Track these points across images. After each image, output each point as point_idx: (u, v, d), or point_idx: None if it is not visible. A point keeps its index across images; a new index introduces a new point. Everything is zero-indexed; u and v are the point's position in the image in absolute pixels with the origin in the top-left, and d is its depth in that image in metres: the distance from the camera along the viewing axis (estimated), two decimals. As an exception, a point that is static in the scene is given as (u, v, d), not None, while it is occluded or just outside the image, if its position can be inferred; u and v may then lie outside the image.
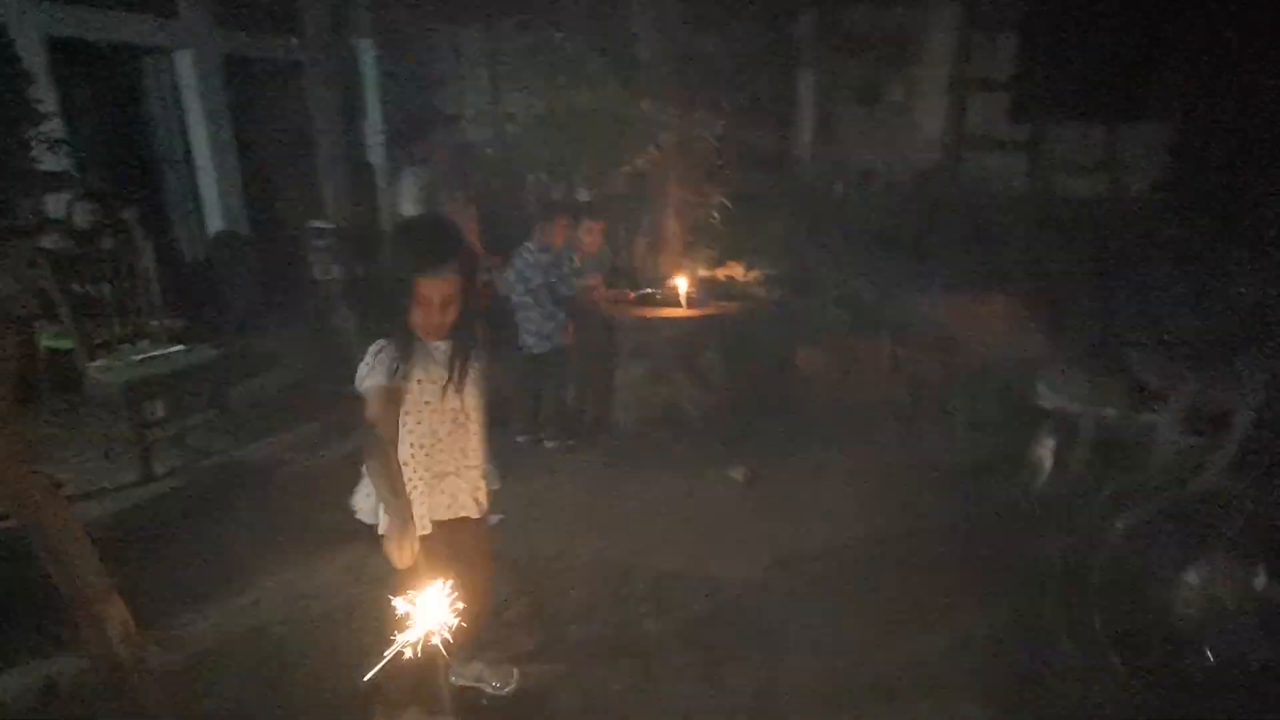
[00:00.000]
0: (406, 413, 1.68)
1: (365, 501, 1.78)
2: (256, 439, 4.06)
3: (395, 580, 1.48)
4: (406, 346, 1.63)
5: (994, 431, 2.76)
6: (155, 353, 3.78)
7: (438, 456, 1.76)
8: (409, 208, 3.58)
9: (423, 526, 1.71)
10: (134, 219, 5.04)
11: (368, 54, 5.83)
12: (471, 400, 1.78)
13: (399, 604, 1.36)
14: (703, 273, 4.05)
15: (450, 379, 1.69)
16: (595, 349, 3.96)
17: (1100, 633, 1.88)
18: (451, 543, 1.81)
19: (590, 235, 4.02)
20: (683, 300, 3.86)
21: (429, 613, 1.37)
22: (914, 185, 5.00)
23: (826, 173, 5.12)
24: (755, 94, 4.13)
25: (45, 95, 4.87)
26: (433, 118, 3.63)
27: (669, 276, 3.95)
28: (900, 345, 3.64)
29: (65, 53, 5.09)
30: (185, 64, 5.85)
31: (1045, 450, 2.07)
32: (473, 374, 1.75)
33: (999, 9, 4.76)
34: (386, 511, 1.59)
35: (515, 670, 2.19)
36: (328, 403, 4.55)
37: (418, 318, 1.60)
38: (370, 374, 1.61)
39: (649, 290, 3.97)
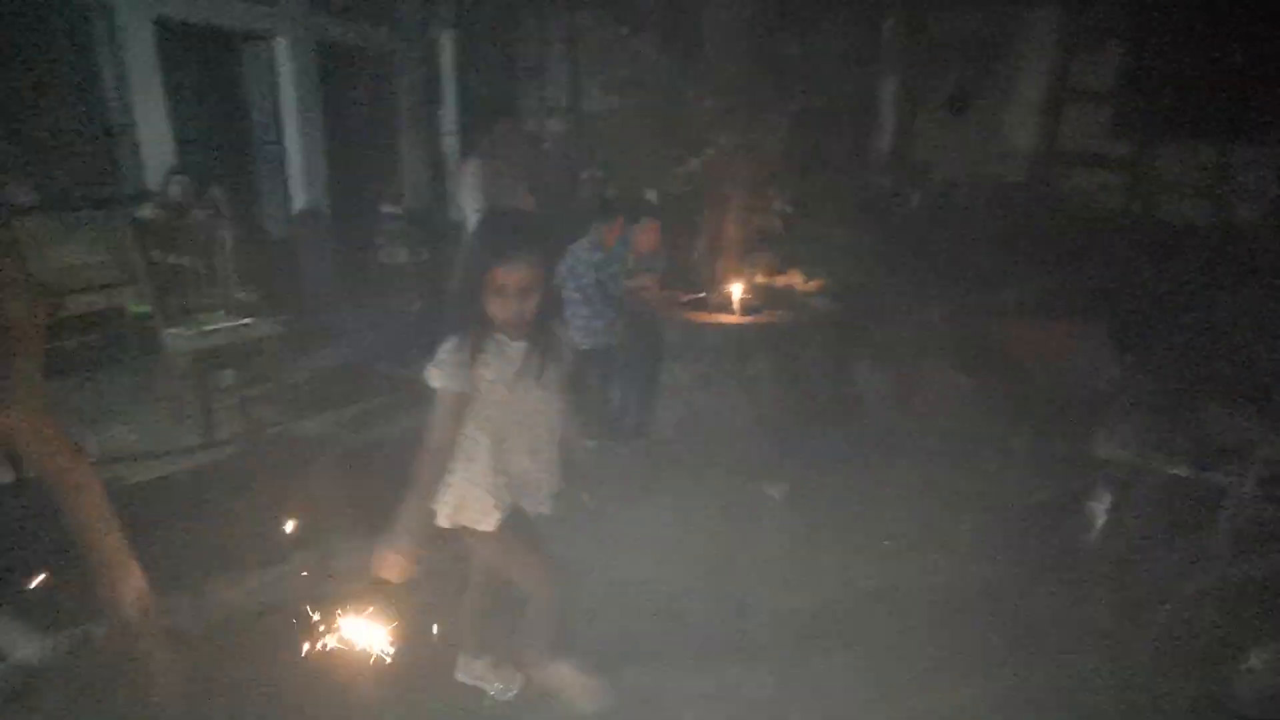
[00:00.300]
0: (477, 412, 1.64)
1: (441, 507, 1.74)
2: (313, 413, 4.20)
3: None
4: (480, 342, 1.59)
5: (1055, 473, 2.54)
6: (225, 324, 3.95)
7: (504, 457, 1.71)
8: (468, 199, 3.60)
9: (488, 524, 1.71)
10: (222, 195, 5.32)
11: (448, 44, 5.95)
12: (548, 402, 1.72)
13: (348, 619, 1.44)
14: (760, 279, 3.93)
15: (525, 379, 1.64)
16: (643, 350, 3.90)
17: (1149, 706, 1.69)
18: (513, 542, 1.81)
19: (647, 235, 3.96)
20: (736, 306, 3.75)
21: (365, 633, 1.45)
22: (998, 200, 4.71)
23: (903, 182, 4.87)
24: (829, 96, 3.95)
25: (151, 74, 5.19)
26: (499, 110, 3.62)
27: (724, 281, 3.85)
28: (964, 371, 3.42)
29: (172, 34, 5.39)
30: (283, 50, 6.12)
31: (1099, 503, 1.86)
32: (551, 375, 1.69)
33: (1104, 15, 4.40)
34: (400, 513, 1.58)
35: (519, 675, 2.16)
36: (384, 383, 4.69)
37: (495, 310, 1.56)
38: (440, 374, 1.59)
39: (700, 294, 3.88)
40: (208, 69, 6.01)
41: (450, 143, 5.72)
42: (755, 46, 3.65)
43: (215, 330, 3.89)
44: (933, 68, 4.84)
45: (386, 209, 4.85)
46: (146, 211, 4.83)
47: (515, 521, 1.79)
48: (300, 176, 6.36)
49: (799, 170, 3.60)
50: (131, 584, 1.80)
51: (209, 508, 3.10)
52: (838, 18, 4.64)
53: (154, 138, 5.29)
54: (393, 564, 1.54)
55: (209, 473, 3.51)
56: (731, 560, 2.82)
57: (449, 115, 6.03)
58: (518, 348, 1.65)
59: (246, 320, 4.05)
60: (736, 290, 3.74)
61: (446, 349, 1.60)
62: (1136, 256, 4.05)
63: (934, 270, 4.24)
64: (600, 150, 3.42)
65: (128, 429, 3.94)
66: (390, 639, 1.46)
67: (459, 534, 1.76)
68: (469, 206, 3.61)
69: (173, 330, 3.82)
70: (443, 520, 1.73)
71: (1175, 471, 1.65)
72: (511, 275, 1.53)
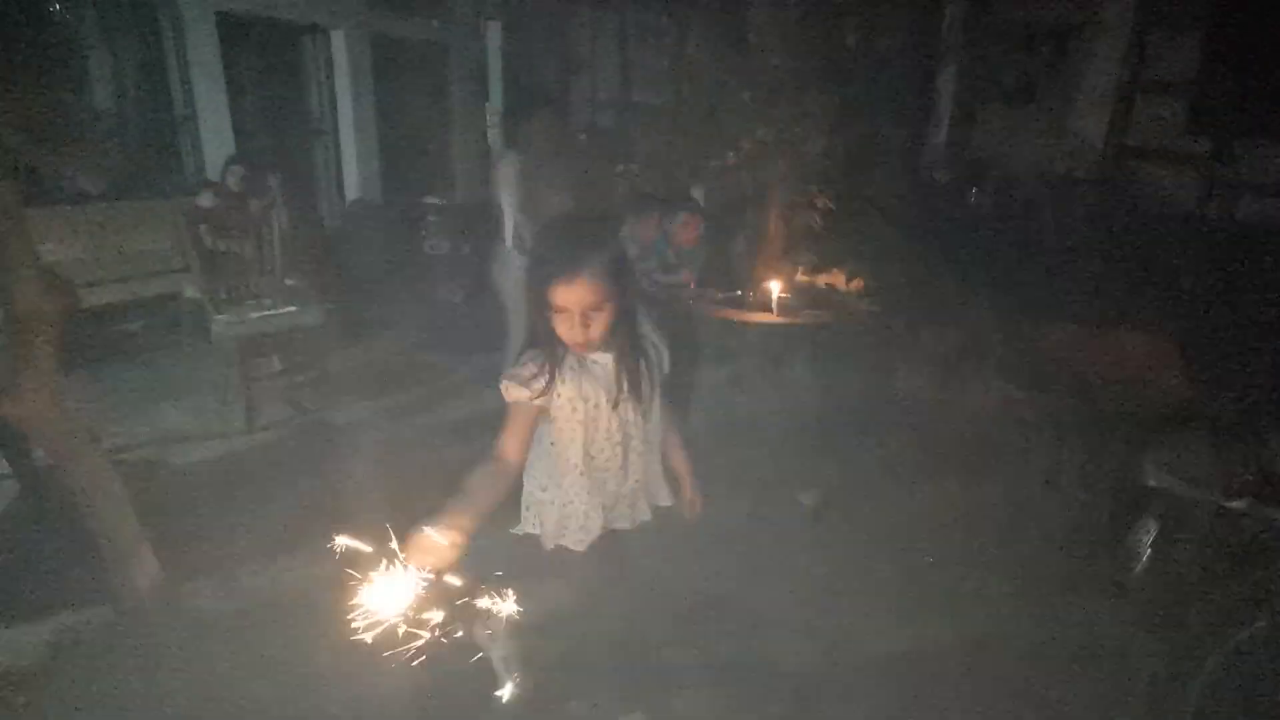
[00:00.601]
0: (562, 429, 1.57)
1: (526, 515, 1.70)
2: (354, 401, 4.27)
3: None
4: (553, 359, 1.49)
5: (1104, 498, 2.36)
6: (270, 311, 4.04)
7: (596, 477, 1.63)
8: (504, 194, 3.57)
9: (578, 545, 1.66)
10: (278, 184, 5.45)
11: (494, 35, 5.96)
12: (643, 415, 1.60)
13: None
14: (801, 278, 3.80)
15: (612, 398, 1.53)
16: (678, 348, 3.82)
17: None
18: (604, 557, 1.75)
19: (686, 230, 3.88)
20: (774, 305, 3.63)
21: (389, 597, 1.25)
22: (1062, 198, 4.43)
23: (960, 178, 4.65)
24: (883, 88, 3.78)
25: (213, 66, 5.35)
26: (541, 102, 3.59)
27: (763, 279, 3.74)
28: (1015, 382, 3.23)
29: (233, 28, 5.55)
30: (339, 41, 6.24)
31: (1144, 535, 1.70)
32: (644, 387, 1.56)
33: (1181, 3, 4.07)
34: (447, 508, 1.42)
35: (533, 681, 2.12)
36: (426, 373, 4.75)
37: (561, 330, 1.45)
38: (511, 387, 1.50)
39: (736, 292, 3.77)
40: (267, 61, 6.18)
41: (495, 135, 5.75)
42: (801, 36, 3.52)
43: (261, 317, 3.98)
44: (996, 58, 4.59)
45: (430, 200, 4.89)
46: (206, 200, 4.99)
47: (607, 544, 1.72)
48: (353, 166, 6.50)
49: (843, 166, 3.45)
50: (146, 570, 1.83)
51: (241, 493, 3.18)
52: (895, 4, 4.44)
53: (215, 128, 5.47)
54: (419, 549, 1.33)
55: (246, 457, 3.59)
56: (753, 570, 2.73)
57: (493, 107, 6.08)
58: (601, 364, 1.54)
59: (291, 308, 4.14)
60: (774, 289, 3.63)
61: (522, 361, 1.52)
62: (1213, 263, 3.75)
63: (988, 272, 4.03)
64: (637, 144, 3.34)
65: (177, 411, 4.07)
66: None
67: (552, 554, 1.71)
68: (505, 202, 3.58)
69: (221, 317, 3.92)
70: (547, 542, 1.68)
71: (1233, 505, 1.49)
72: (570, 296, 1.40)
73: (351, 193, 6.56)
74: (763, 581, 2.65)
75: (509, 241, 3.64)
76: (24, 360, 1.45)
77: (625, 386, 1.53)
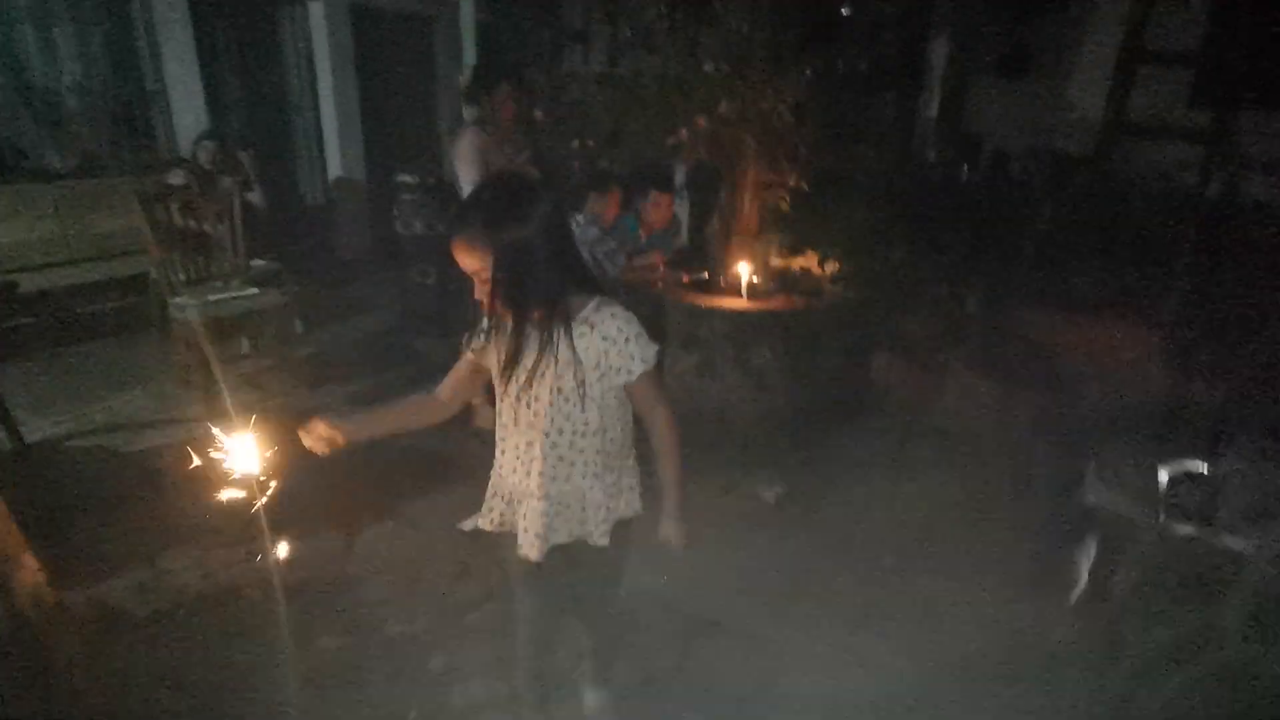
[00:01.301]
0: (498, 409, 1.52)
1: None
2: (322, 384, 4.17)
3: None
4: (477, 315, 1.46)
5: (1056, 507, 2.19)
6: (231, 294, 3.94)
7: (505, 462, 1.53)
8: (461, 169, 3.42)
9: (529, 549, 1.52)
10: (250, 161, 5.33)
11: (468, 7, 5.76)
12: (574, 410, 1.42)
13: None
14: (775, 261, 3.63)
15: (518, 379, 1.40)
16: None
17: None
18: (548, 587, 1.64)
19: (657, 210, 3.72)
20: (743, 290, 3.47)
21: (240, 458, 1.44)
22: (1057, 177, 4.20)
23: (951, 155, 4.41)
24: (866, 57, 3.55)
25: (184, 38, 5.21)
26: (499, 74, 3.41)
27: (733, 262, 3.57)
28: (996, 370, 3.06)
29: (207, 1, 5.39)
30: (317, 14, 6.07)
31: (1082, 558, 1.53)
32: (563, 380, 1.39)
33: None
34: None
35: None
36: (396, 356, 4.64)
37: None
38: (468, 332, 1.51)
39: (703, 275, 3.61)
40: (242, 34, 6.02)
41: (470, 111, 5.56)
42: (774, 2, 3.31)
43: (220, 300, 3.88)
44: (989, 26, 4.33)
45: (403, 177, 4.74)
46: (176, 177, 4.88)
47: (560, 563, 1.57)
48: (335, 143, 6.36)
49: (820, 142, 3.26)
50: (26, 579, 1.73)
51: (180, 483, 3.08)
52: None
53: (187, 103, 5.34)
54: (317, 433, 1.47)
55: (198, 445, 3.50)
56: (701, 570, 2.60)
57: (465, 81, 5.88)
58: (511, 336, 1.39)
59: (253, 290, 4.03)
60: (745, 272, 3.46)
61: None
62: (1216, 246, 3.53)
63: (976, 256, 3.83)
64: (598, 119, 3.17)
65: (143, 395, 4.00)
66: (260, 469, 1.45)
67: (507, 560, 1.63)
68: (462, 179, 3.43)
69: (178, 299, 3.83)
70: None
71: (1178, 529, 1.32)
72: (456, 255, 1.36)
73: (334, 170, 6.42)
74: (709, 582, 2.52)
75: (466, 223, 3.49)
76: None
77: (530, 370, 1.39)
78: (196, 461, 1.46)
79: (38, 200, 4.64)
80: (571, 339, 1.37)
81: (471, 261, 1.34)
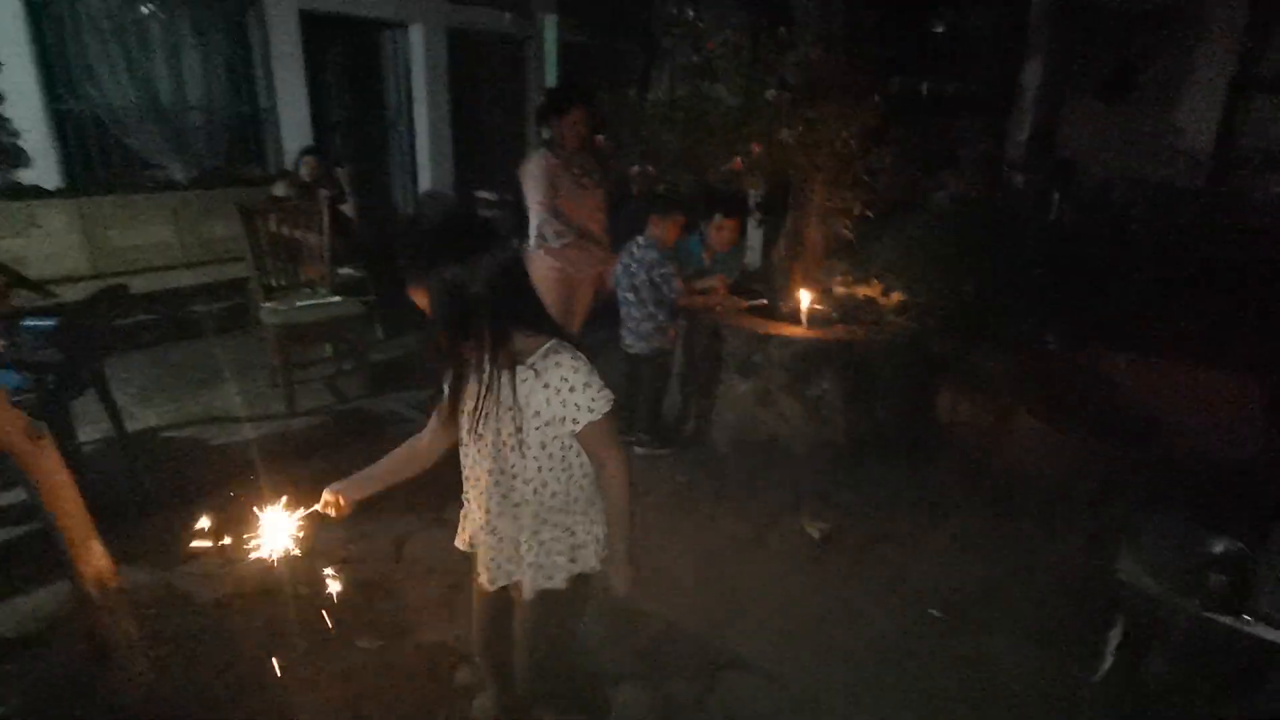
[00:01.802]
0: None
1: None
2: (390, 391, 4.37)
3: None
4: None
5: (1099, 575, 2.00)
6: (315, 300, 4.19)
7: (469, 489, 1.56)
8: (529, 190, 3.51)
9: (486, 578, 1.56)
10: (346, 176, 5.67)
11: (551, 28, 5.92)
12: (511, 455, 1.42)
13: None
14: (838, 289, 3.53)
15: (472, 419, 1.41)
16: (705, 356, 3.66)
17: None
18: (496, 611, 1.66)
19: (721, 233, 3.69)
20: (803, 317, 3.40)
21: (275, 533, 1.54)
22: (1161, 206, 3.89)
23: (1041, 181, 4.16)
24: (956, 80, 3.43)
25: (295, 61, 5.61)
26: (571, 97, 3.50)
27: (794, 288, 3.50)
28: (1072, 417, 2.85)
29: (316, 25, 5.79)
30: (417, 35, 6.39)
31: (1110, 638, 1.37)
32: (503, 426, 1.39)
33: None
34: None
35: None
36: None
37: None
38: None
39: (763, 300, 3.55)
40: (347, 56, 6.42)
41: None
42: (854, 23, 3.24)
43: (305, 306, 4.13)
44: (1088, 46, 4.08)
45: (482, 194, 4.92)
46: (279, 189, 5.25)
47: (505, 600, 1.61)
48: (426, 158, 6.67)
49: (885, 168, 3.15)
50: (92, 563, 1.88)
51: (261, 477, 3.29)
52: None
53: (294, 121, 5.74)
54: (327, 503, 1.57)
55: (279, 442, 3.73)
56: (736, 605, 2.55)
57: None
58: (454, 377, 1.42)
59: (337, 298, 4.28)
60: (805, 299, 3.39)
61: None
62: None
63: (1061, 290, 3.60)
64: (662, 143, 3.18)
65: (235, 392, 4.30)
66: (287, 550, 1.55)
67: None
68: (530, 200, 3.53)
69: (268, 304, 4.10)
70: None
71: (1216, 618, 1.16)
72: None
73: (424, 183, 6.73)
74: (741, 618, 2.47)
75: (532, 241, 3.58)
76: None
77: (477, 412, 1.39)
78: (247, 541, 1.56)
79: (159, 209, 5.09)
80: (514, 384, 1.36)
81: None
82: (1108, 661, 1.29)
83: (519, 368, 1.36)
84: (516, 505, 1.47)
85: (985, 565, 2.75)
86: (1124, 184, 4.02)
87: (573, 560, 1.52)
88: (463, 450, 1.53)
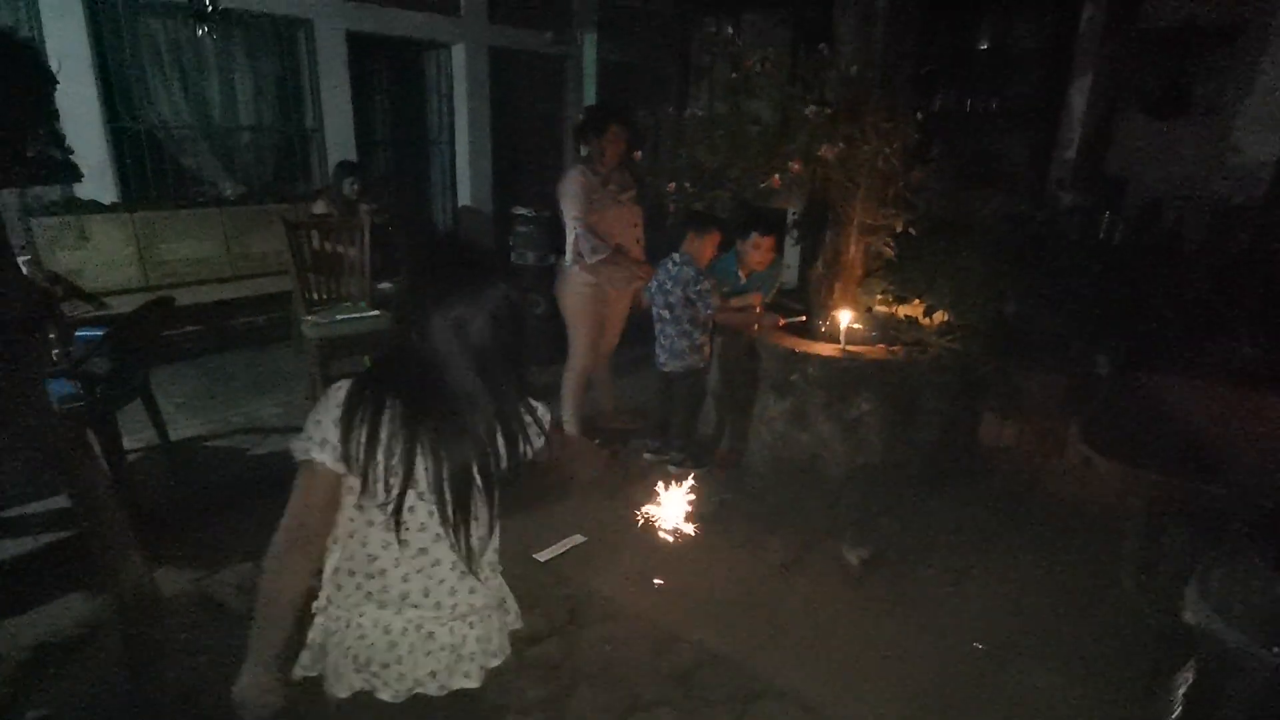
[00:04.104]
0: None
1: None
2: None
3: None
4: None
5: (1159, 617, 1.89)
6: (354, 315, 4.25)
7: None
8: (567, 207, 3.52)
9: None
10: (388, 192, 5.78)
11: (591, 47, 5.97)
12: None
13: None
14: (879, 308, 3.46)
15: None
16: (739, 376, 3.62)
17: None
18: None
19: (757, 251, 3.65)
20: (842, 336, 3.33)
21: None
22: (1219, 224, 3.74)
23: (1091, 199, 4.04)
24: (1002, 95, 3.35)
25: (341, 81, 5.75)
26: (608, 115, 3.51)
27: (833, 307, 3.44)
28: (1122, 444, 2.73)
29: (362, 45, 5.94)
30: (459, 56, 6.52)
31: (1179, 685, 1.28)
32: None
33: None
34: None
35: None
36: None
37: None
38: None
39: (802, 318, 3.49)
40: (392, 76, 6.57)
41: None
42: (895, 40, 3.19)
43: (345, 319, 4.19)
44: (1140, 61, 3.96)
45: (519, 210, 4.96)
46: (320, 206, 5.37)
47: None
48: (466, 175, 6.77)
49: (928, 185, 3.09)
50: (129, 571, 1.91)
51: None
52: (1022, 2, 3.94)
53: (339, 139, 5.87)
54: None
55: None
56: (772, 630, 2.48)
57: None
58: None
59: (374, 313, 4.33)
60: (844, 318, 3.32)
61: None
62: None
63: (1112, 311, 3.47)
64: (696, 160, 3.17)
65: (276, 403, 4.38)
66: None
67: None
68: (567, 216, 3.54)
69: (309, 317, 4.18)
70: None
71: None
72: None
73: (464, 201, 6.83)
74: (777, 645, 2.40)
75: (568, 257, 3.59)
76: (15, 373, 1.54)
77: None
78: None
79: (208, 224, 5.25)
80: None
81: None
82: (1176, 709, 1.20)
83: None
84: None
85: (1031, 597, 2.64)
86: (1177, 201, 3.88)
87: None
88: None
